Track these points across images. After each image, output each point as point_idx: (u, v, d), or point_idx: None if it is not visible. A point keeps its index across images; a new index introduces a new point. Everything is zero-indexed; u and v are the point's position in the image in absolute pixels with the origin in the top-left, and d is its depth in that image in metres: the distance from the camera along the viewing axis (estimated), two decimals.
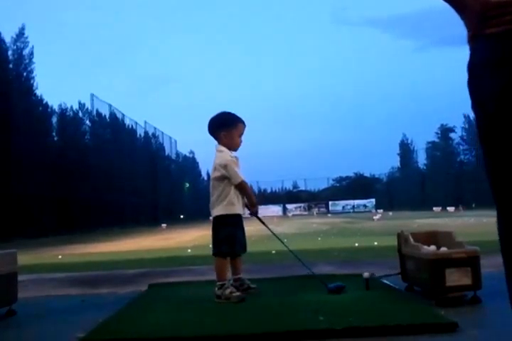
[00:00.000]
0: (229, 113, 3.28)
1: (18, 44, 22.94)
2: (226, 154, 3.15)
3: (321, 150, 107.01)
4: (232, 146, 3.21)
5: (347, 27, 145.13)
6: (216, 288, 2.97)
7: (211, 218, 3.17)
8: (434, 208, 30.21)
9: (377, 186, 54.28)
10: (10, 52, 22.38)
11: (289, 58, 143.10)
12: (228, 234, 3.07)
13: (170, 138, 42.45)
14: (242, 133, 3.24)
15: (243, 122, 3.24)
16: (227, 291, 2.92)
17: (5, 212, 18.31)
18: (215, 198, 3.13)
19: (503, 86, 1.17)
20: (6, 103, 19.61)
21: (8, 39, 22.45)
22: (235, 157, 3.20)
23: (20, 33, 23.12)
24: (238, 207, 3.13)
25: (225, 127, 3.19)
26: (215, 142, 3.26)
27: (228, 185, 3.10)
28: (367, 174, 56.89)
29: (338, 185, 58.26)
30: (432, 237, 3.09)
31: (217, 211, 3.11)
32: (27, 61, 23.08)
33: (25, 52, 23.07)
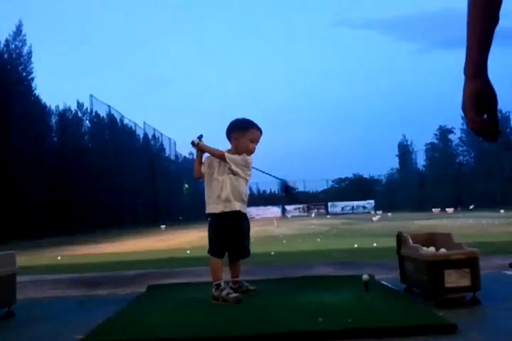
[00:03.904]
0: (246, 119, 3.31)
1: (16, 43, 22.70)
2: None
3: (320, 152, 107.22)
4: (241, 150, 3.16)
5: (347, 29, 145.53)
6: (213, 289, 2.97)
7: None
8: (433, 209, 30.21)
9: (376, 187, 54.27)
10: (8, 51, 22.23)
11: (289, 60, 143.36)
12: (210, 235, 3.11)
13: (169, 139, 42.42)
14: (256, 140, 3.22)
15: (259, 129, 3.24)
16: (224, 293, 2.92)
17: (4, 213, 18.29)
18: (205, 197, 3.19)
19: None
20: (4, 104, 19.59)
21: (6, 37, 22.29)
22: (247, 157, 3.15)
23: (18, 30, 22.80)
24: (217, 206, 3.08)
25: (238, 130, 3.21)
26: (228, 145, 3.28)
27: (209, 181, 3.14)
28: (366, 175, 56.81)
29: (337, 186, 58.24)
30: (430, 238, 3.09)
31: (206, 210, 3.15)
32: (26, 60, 22.87)
33: (24, 51, 22.84)
